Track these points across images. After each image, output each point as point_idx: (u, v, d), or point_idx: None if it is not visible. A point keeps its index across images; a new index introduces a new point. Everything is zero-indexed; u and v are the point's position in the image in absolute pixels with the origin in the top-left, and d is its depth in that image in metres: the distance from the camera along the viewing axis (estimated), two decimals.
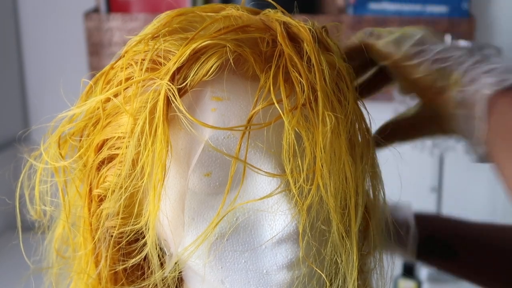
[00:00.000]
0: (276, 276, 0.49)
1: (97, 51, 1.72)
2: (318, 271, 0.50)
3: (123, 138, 0.49)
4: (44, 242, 0.58)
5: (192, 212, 0.49)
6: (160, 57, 0.48)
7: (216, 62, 0.46)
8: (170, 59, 0.47)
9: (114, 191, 0.50)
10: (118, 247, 0.53)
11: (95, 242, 0.53)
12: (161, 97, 0.46)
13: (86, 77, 0.54)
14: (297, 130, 0.47)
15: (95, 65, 1.72)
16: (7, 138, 1.82)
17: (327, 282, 0.51)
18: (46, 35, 1.84)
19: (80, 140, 0.52)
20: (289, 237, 0.48)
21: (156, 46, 0.48)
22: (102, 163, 0.52)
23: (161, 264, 0.53)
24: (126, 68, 0.50)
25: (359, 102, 0.53)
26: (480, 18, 1.67)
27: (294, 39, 0.49)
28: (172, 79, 0.46)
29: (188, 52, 0.46)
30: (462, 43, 1.51)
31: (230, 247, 0.49)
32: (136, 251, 0.52)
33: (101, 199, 0.52)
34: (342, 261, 0.50)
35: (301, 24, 0.49)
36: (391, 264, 0.57)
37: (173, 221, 0.50)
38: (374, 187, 0.55)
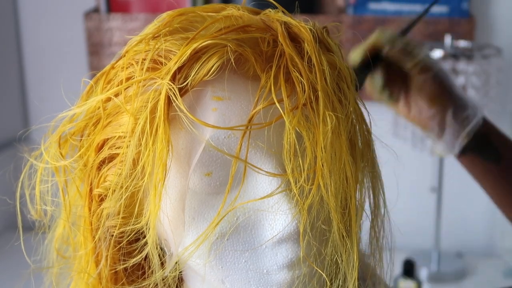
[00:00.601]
0: (276, 275, 0.49)
1: (97, 51, 1.72)
2: (319, 270, 0.50)
3: (124, 137, 0.49)
4: (45, 241, 0.58)
5: (192, 212, 0.49)
6: (161, 56, 0.49)
7: (217, 61, 0.47)
8: (171, 59, 0.47)
9: (114, 190, 0.50)
10: (118, 246, 0.53)
11: (95, 241, 0.53)
12: (162, 96, 0.46)
13: (86, 77, 0.54)
14: (298, 130, 0.47)
15: (95, 65, 1.72)
16: (7, 138, 1.83)
17: (327, 281, 0.51)
18: (46, 35, 1.84)
19: (81, 139, 0.52)
20: (289, 237, 0.48)
21: (157, 46, 0.49)
22: (102, 163, 0.52)
23: (162, 264, 0.53)
24: (127, 68, 0.50)
25: (359, 102, 0.53)
26: (480, 18, 1.67)
27: (295, 39, 0.49)
28: (173, 78, 0.47)
29: (189, 51, 0.46)
30: (462, 43, 1.51)
31: (231, 247, 0.49)
32: (137, 250, 0.52)
33: (102, 199, 0.52)
34: (342, 261, 0.50)
35: (302, 24, 0.50)
36: (391, 264, 0.57)
37: (174, 220, 0.50)
38: (374, 187, 0.55)
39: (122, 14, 1.69)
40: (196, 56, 0.47)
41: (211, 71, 0.47)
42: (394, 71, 0.82)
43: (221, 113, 0.47)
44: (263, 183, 0.49)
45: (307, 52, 0.48)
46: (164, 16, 0.52)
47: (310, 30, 0.49)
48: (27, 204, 0.54)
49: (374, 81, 0.83)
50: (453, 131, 0.81)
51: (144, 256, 0.51)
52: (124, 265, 0.53)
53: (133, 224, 0.50)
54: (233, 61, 0.47)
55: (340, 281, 0.51)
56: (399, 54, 0.80)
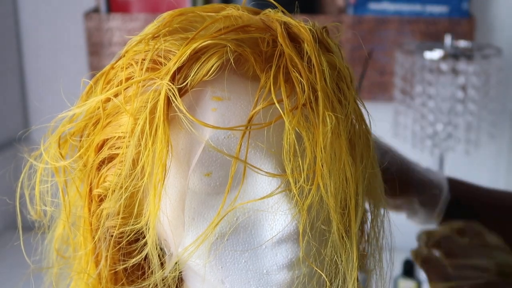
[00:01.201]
0: (276, 276, 0.49)
1: (97, 51, 1.72)
2: (318, 271, 0.50)
3: (124, 138, 0.49)
4: (44, 242, 0.58)
5: (192, 212, 0.49)
6: (161, 57, 0.48)
7: (216, 62, 0.46)
8: (171, 59, 0.47)
9: (114, 191, 0.50)
10: (118, 247, 0.53)
11: (95, 242, 0.53)
12: (162, 97, 0.46)
13: (86, 77, 0.54)
14: (298, 130, 0.47)
15: (95, 65, 1.72)
16: (7, 138, 1.82)
17: (327, 282, 0.51)
18: (46, 35, 1.84)
19: (80, 140, 0.52)
20: (289, 237, 0.48)
21: (156, 46, 0.49)
22: (102, 163, 0.52)
23: (161, 264, 0.53)
24: (126, 68, 0.50)
25: (359, 102, 0.53)
26: (480, 18, 1.67)
27: (294, 39, 0.49)
28: (172, 79, 0.46)
29: (188, 52, 0.46)
30: (462, 43, 1.51)
31: (230, 247, 0.49)
32: (137, 251, 0.52)
33: (101, 199, 0.52)
34: (342, 261, 0.50)
35: (302, 24, 0.49)
36: (391, 264, 0.57)
37: (173, 221, 0.50)
38: (374, 187, 0.55)
39: (122, 14, 1.69)
40: (195, 56, 0.47)
41: (211, 71, 0.47)
42: None
43: (220, 113, 0.47)
44: (262, 183, 0.49)
45: (307, 52, 0.48)
46: (164, 16, 0.52)
47: (310, 30, 0.49)
48: (27, 204, 0.54)
49: None
50: (424, 215, 0.80)
51: (144, 256, 0.51)
52: (124, 265, 0.53)
53: (132, 224, 0.50)
54: (232, 61, 0.47)
55: (340, 281, 0.51)
56: None
